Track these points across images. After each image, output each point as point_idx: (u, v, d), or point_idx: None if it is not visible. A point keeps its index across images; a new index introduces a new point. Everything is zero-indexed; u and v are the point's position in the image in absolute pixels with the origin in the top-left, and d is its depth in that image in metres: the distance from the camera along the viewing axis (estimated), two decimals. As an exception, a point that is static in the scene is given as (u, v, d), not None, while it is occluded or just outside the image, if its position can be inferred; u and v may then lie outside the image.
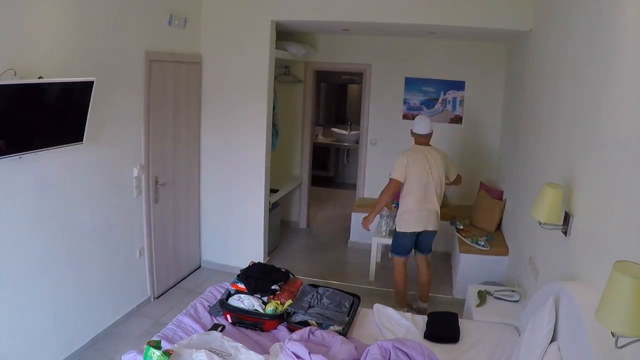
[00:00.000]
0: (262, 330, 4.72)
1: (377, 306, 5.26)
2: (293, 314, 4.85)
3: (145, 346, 3.78)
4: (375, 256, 7.76)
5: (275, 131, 9.00)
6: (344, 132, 13.74)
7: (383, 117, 9.33)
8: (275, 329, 4.78)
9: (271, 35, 7.23)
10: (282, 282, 5.27)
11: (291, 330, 4.65)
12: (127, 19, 5.79)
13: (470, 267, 6.97)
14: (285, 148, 9.69)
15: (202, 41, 7.44)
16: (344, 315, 4.93)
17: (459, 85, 8.93)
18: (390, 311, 5.16)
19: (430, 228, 6.49)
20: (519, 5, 6.35)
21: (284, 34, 8.37)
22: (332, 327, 4.66)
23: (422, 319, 5.09)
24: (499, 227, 7.60)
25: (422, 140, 6.61)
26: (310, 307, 4.99)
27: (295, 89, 9.62)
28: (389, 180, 6.36)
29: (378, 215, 7.78)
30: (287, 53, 8.37)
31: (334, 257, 8.75)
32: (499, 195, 7.74)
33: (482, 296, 5.60)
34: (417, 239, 6.61)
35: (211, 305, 5.06)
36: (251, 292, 5.02)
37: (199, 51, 7.44)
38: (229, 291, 5.12)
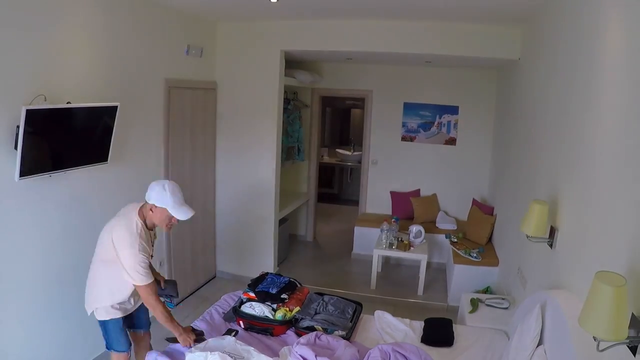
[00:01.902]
0: (272, 335, 4.71)
1: (378, 313, 5.25)
2: (300, 319, 4.85)
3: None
4: (376, 267, 7.72)
5: (299, 147, 9.36)
6: (347, 152, 13.76)
7: (383, 139, 9.34)
8: (284, 333, 4.78)
9: (280, 63, 7.28)
10: (291, 291, 5.28)
11: (299, 335, 4.64)
12: (148, 48, 5.86)
13: (464, 277, 6.95)
14: (293, 167, 9.71)
15: (217, 69, 7.49)
16: (348, 321, 4.92)
17: (453, 110, 8.95)
18: (389, 317, 5.15)
19: None
20: (508, 36, 6.38)
21: (292, 63, 8.42)
22: (336, 332, 4.66)
23: (420, 325, 5.09)
24: (490, 240, 7.59)
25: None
26: (316, 313, 4.99)
27: (302, 113, 9.63)
28: (143, 287, 3.87)
29: (379, 229, 7.82)
30: (296, 80, 8.42)
31: (338, 267, 8.72)
32: (490, 211, 7.74)
33: (475, 303, 5.59)
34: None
35: (225, 312, 5.06)
36: (262, 300, 5.04)
37: (214, 78, 7.48)
38: (242, 299, 5.13)
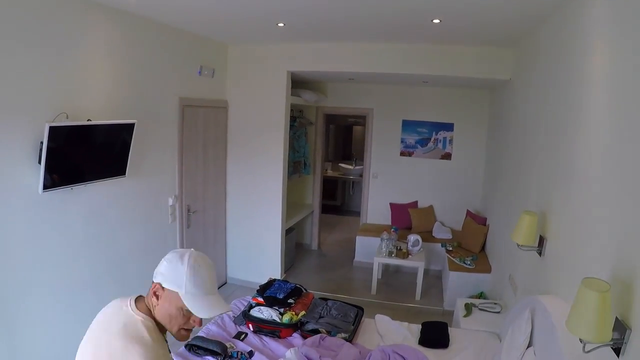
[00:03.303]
0: (279, 337, 4.71)
1: (378, 316, 5.26)
2: (306, 323, 4.85)
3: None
4: (376, 273, 7.71)
5: (306, 162, 9.44)
6: (349, 167, 13.76)
7: (383, 154, 9.36)
8: (291, 336, 4.77)
9: (287, 83, 7.30)
10: (297, 296, 5.28)
11: (304, 337, 4.66)
12: (163, 69, 5.89)
13: (459, 283, 6.93)
14: (299, 180, 9.72)
15: (228, 89, 7.52)
16: (350, 324, 4.92)
17: (449, 127, 8.96)
18: (389, 321, 5.16)
19: None
20: (500, 58, 6.40)
21: (298, 83, 8.46)
22: (339, 335, 4.65)
23: (417, 328, 5.09)
24: (483, 248, 7.58)
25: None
26: (320, 317, 5.00)
27: (308, 130, 9.66)
28: None
29: (379, 238, 7.82)
30: (301, 99, 8.43)
31: (341, 274, 8.71)
32: (483, 221, 7.74)
33: (469, 308, 5.59)
34: None
35: (236, 316, 5.06)
36: (270, 304, 5.04)
37: (225, 97, 7.51)
38: (251, 304, 5.13)
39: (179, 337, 2.18)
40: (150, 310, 2.11)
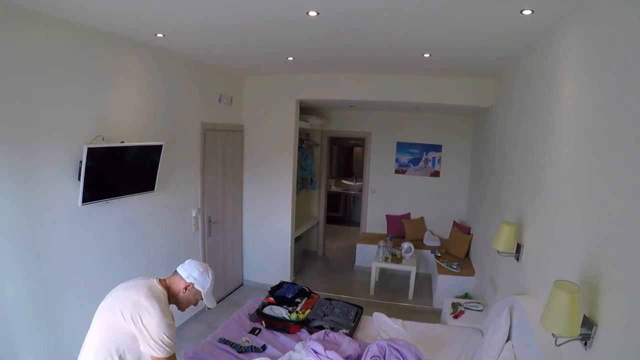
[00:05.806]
0: (288, 332, 4.71)
1: (376, 314, 5.24)
2: (312, 320, 4.85)
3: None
4: (374, 277, 7.69)
5: (312, 179, 9.50)
6: (350, 183, 13.79)
7: (380, 171, 9.36)
8: (299, 331, 4.77)
9: (296, 110, 7.33)
10: (304, 296, 5.28)
11: (311, 333, 4.66)
12: (187, 98, 5.93)
13: (446, 285, 6.91)
14: (307, 195, 9.72)
15: (244, 114, 7.55)
16: (351, 321, 4.92)
17: (438, 148, 8.97)
18: (385, 318, 5.14)
19: None
20: (482, 88, 6.41)
21: (305, 109, 8.48)
22: (341, 330, 4.65)
23: (410, 324, 5.07)
24: (467, 254, 7.55)
25: None
26: (325, 315, 4.99)
27: (314, 151, 9.68)
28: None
29: (376, 246, 7.81)
30: (308, 123, 8.45)
31: (343, 277, 8.68)
32: (467, 231, 7.72)
33: (455, 307, 5.57)
34: None
35: (250, 314, 5.06)
36: (280, 303, 5.04)
37: (242, 122, 7.54)
38: (264, 303, 5.14)
39: (182, 310, 3.06)
40: (167, 289, 2.91)
